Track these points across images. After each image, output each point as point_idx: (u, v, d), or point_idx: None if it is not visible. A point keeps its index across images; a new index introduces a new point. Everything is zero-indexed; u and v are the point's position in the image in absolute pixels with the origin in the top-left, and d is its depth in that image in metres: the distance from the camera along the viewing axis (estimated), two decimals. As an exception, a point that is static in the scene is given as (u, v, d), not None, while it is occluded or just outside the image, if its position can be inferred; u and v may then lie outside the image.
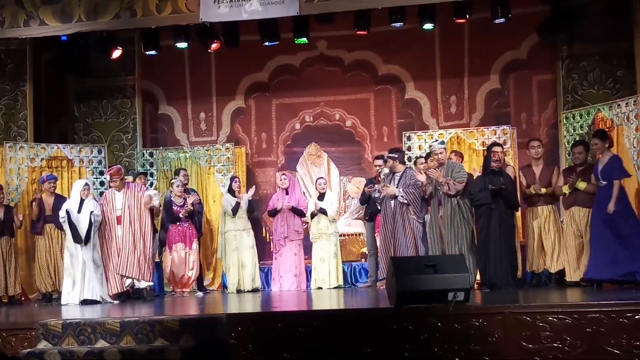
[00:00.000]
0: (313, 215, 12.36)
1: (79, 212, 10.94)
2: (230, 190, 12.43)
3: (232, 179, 12.61)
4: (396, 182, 10.69)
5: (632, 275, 9.56)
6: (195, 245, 12.10)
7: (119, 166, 11.75)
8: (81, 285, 10.86)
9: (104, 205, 11.15)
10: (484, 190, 10.26)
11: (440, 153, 10.58)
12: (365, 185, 12.14)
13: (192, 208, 12.01)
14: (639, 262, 9.58)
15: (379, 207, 11.14)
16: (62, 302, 10.96)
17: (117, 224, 11.08)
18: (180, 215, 11.99)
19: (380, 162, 11.85)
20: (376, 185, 11.11)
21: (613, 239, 9.73)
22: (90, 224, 10.87)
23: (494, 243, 10.21)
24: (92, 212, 10.90)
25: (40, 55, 13.51)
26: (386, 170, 11.01)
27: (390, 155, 10.99)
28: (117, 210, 11.11)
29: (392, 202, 10.64)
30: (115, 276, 10.98)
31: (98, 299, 10.87)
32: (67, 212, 10.90)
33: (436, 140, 11.20)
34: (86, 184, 11.24)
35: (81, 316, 8.97)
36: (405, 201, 10.54)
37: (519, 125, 13.37)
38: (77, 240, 10.87)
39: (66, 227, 10.97)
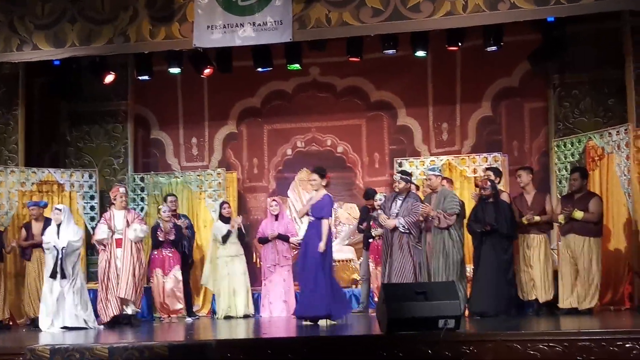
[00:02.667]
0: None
1: (57, 238, 10.86)
2: (221, 217, 12.38)
3: (221, 204, 12.57)
4: (398, 206, 10.61)
5: None
6: (174, 272, 12.04)
7: (125, 187, 11.76)
8: (60, 312, 10.68)
9: (102, 225, 11.09)
10: (476, 222, 10.27)
11: (430, 179, 10.59)
12: (360, 214, 12.19)
13: (172, 232, 11.94)
14: None
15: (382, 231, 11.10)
16: (41, 327, 10.80)
17: (117, 246, 11.03)
18: (161, 238, 11.95)
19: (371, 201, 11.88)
20: (376, 213, 10.91)
21: None
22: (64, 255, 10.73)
23: (487, 272, 10.19)
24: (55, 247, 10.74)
25: (33, 80, 13.54)
26: (381, 197, 10.95)
27: (404, 177, 10.77)
28: (117, 231, 11.06)
29: (391, 231, 10.55)
30: (114, 299, 10.91)
31: (82, 325, 10.75)
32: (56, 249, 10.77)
33: (429, 167, 11.21)
34: (56, 208, 11.05)
35: (69, 342, 8.90)
36: (407, 231, 10.46)
37: (511, 152, 13.39)
38: (53, 277, 10.74)
39: (50, 257, 10.85)
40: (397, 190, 10.75)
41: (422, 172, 12.83)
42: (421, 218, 10.38)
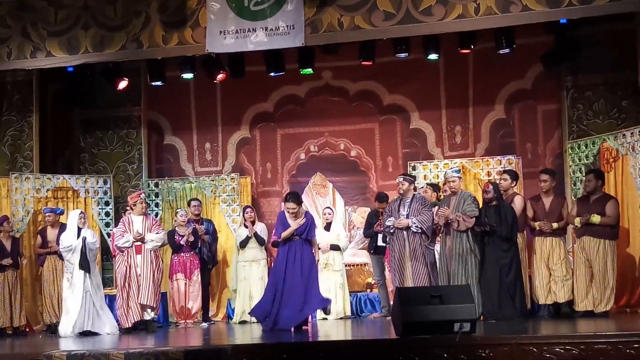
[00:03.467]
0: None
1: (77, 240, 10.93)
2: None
3: (244, 209, 12.58)
4: (406, 208, 10.63)
5: None
6: (196, 276, 12.07)
7: (143, 191, 11.81)
8: (82, 315, 10.76)
9: (124, 232, 11.13)
10: (479, 225, 10.27)
11: (453, 181, 10.56)
12: (368, 218, 12.17)
13: (191, 237, 11.96)
14: None
15: (387, 239, 11.07)
16: (60, 333, 10.87)
17: (137, 253, 11.07)
18: (182, 242, 11.98)
19: (384, 204, 11.87)
20: (388, 221, 10.82)
21: None
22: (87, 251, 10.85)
23: (490, 276, 10.15)
24: (84, 238, 10.86)
25: (46, 86, 13.59)
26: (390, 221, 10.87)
27: (406, 177, 10.90)
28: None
29: (404, 232, 10.54)
30: (135, 305, 10.94)
31: (102, 331, 10.81)
32: (84, 239, 10.87)
33: (452, 168, 11.17)
34: (81, 212, 11.23)
35: (86, 347, 8.92)
36: (419, 230, 10.47)
37: (524, 155, 13.36)
38: (84, 268, 10.82)
39: (76, 255, 10.90)
40: (401, 192, 10.74)
41: (436, 175, 12.84)
42: (438, 220, 10.37)
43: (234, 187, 13.48)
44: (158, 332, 11.06)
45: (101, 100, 14.00)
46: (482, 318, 10.12)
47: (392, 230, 10.67)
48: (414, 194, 10.76)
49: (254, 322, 12.05)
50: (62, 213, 12.15)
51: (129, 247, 11.06)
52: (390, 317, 11.35)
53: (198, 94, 14.50)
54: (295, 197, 10.56)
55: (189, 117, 14.63)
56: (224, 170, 14.36)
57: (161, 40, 11.74)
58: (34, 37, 12.01)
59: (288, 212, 10.46)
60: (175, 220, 12.22)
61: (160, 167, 14.66)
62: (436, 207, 10.73)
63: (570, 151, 12.41)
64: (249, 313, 11.36)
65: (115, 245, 11.21)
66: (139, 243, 11.08)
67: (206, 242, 12.28)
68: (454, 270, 10.28)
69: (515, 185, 11.05)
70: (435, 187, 11.93)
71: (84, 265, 10.82)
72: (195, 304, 12.09)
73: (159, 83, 13.07)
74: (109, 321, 10.97)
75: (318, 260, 11.66)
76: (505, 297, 10.13)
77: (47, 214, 12.06)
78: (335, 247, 12.34)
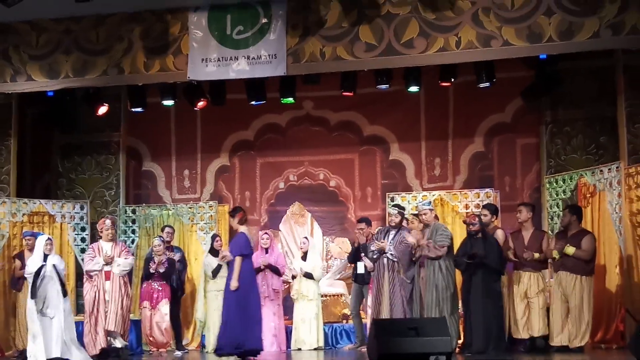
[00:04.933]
0: (294, 277, 12.31)
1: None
2: (212, 250, 12.31)
3: (213, 237, 12.51)
4: (390, 238, 10.64)
5: None
6: (162, 306, 11.92)
7: (112, 218, 11.70)
8: (50, 342, 10.58)
9: (94, 257, 11.00)
10: (464, 256, 10.26)
11: (425, 214, 10.62)
12: (352, 249, 12.19)
13: (162, 267, 11.86)
14: None
15: (371, 267, 11.07)
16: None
17: (106, 279, 10.95)
18: (151, 270, 11.89)
19: (362, 224, 11.89)
20: (373, 245, 10.88)
21: None
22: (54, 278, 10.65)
23: (475, 308, 10.14)
24: (42, 266, 10.66)
25: (25, 110, 13.55)
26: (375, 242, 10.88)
27: (400, 210, 10.97)
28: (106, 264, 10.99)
29: (385, 260, 10.56)
30: (102, 331, 10.82)
31: (70, 357, 10.66)
32: (40, 268, 10.65)
33: (421, 202, 11.20)
34: (48, 239, 10.97)
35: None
36: (395, 259, 10.49)
37: (503, 188, 13.41)
38: (33, 296, 10.62)
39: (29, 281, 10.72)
40: (392, 224, 10.78)
41: (414, 206, 12.84)
42: (412, 244, 10.40)
43: (211, 215, 13.42)
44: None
45: (81, 126, 13.87)
46: (461, 348, 10.12)
47: (375, 256, 10.67)
48: (401, 227, 10.79)
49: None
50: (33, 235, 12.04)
51: (99, 271, 10.93)
52: (364, 348, 11.37)
53: (178, 121, 14.47)
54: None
55: (169, 143, 14.59)
56: (202, 197, 14.31)
57: (143, 66, 11.75)
58: (14, 61, 12.00)
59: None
60: (152, 248, 12.14)
61: (138, 193, 14.58)
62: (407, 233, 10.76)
63: (548, 186, 12.46)
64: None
65: (86, 270, 11.10)
66: (108, 268, 10.94)
67: (176, 269, 12.19)
68: (427, 302, 10.28)
69: (495, 220, 11.07)
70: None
71: (32, 293, 10.57)
72: (160, 334, 11.96)
73: (139, 109, 13.04)
74: (79, 349, 10.78)
75: (284, 289, 11.75)
76: (494, 329, 10.11)
77: (27, 237, 11.87)
78: (308, 276, 12.27)
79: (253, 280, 10.55)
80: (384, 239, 10.66)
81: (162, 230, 12.56)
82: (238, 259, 10.20)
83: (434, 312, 10.15)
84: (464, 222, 10.69)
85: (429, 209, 10.70)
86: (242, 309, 10.10)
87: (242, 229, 10.45)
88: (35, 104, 13.35)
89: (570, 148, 12.75)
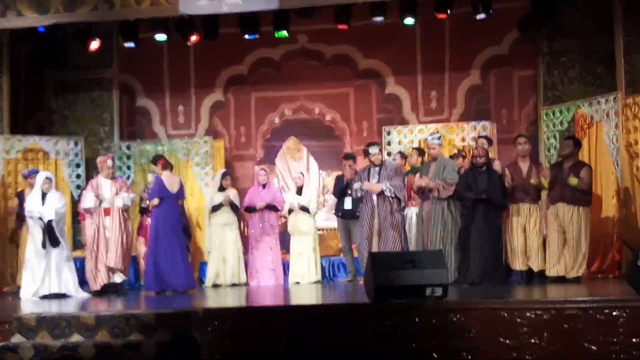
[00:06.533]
0: (291, 211, 12.30)
1: (42, 205, 10.79)
2: (221, 187, 12.31)
3: (223, 175, 12.44)
4: (376, 175, 10.58)
5: None
6: None
7: (112, 157, 11.67)
8: (46, 278, 10.67)
9: (90, 194, 11.00)
10: (467, 190, 10.23)
11: (434, 148, 10.55)
12: (335, 181, 12.11)
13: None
14: None
15: (358, 204, 11.03)
16: (21, 296, 10.78)
17: (106, 215, 10.95)
18: (145, 206, 11.97)
19: (350, 161, 11.83)
20: (356, 184, 10.80)
21: None
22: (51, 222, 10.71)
23: (477, 242, 10.16)
24: (49, 221, 10.70)
25: (18, 48, 13.39)
26: (357, 185, 10.80)
27: (372, 148, 10.75)
28: (105, 200, 10.97)
29: (375, 197, 10.48)
30: (104, 268, 10.86)
31: (67, 292, 10.73)
32: (49, 223, 10.72)
33: (432, 135, 11.07)
34: (47, 177, 10.99)
35: (56, 310, 8.87)
36: (393, 195, 10.42)
37: (500, 121, 13.38)
38: (53, 244, 10.71)
39: (38, 227, 10.79)
40: (377, 163, 10.63)
41: (411, 140, 12.81)
42: (415, 187, 10.36)
43: (207, 151, 13.38)
44: (129, 295, 11.00)
45: (73, 62, 13.82)
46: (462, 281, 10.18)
47: (360, 195, 10.62)
48: (382, 161, 10.71)
49: (227, 286, 12.04)
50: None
51: (95, 209, 10.93)
52: (358, 282, 11.43)
53: (171, 56, 14.37)
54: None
55: (162, 79, 14.51)
56: (197, 133, 14.26)
57: (134, 0, 11.56)
58: (3, -3, 11.83)
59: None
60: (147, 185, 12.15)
61: (132, 129, 14.53)
62: (417, 174, 10.72)
63: (545, 117, 12.41)
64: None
65: (82, 208, 11.11)
66: (107, 205, 10.93)
67: None
68: (431, 235, 10.30)
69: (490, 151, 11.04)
70: (420, 151, 11.83)
71: (52, 242, 10.67)
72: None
73: (131, 45, 12.86)
74: (77, 284, 10.85)
75: (281, 224, 11.79)
76: (494, 263, 10.16)
77: (31, 176, 11.71)
78: (304, 210, 12.27)
79: (174, 221, 11.15)
80: (366, 179, 10.57)
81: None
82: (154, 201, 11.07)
83: (436, 246, 10.18)
84: (472, 155, 10.65)
85: (439, 144, 10.63)
86: (164, 250, 10.90)
87: (165, 174, 11.13)
88: (27, 41, 13.21)
89: (567, 79, 12.66)
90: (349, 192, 11.43)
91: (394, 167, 10.64)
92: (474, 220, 10.24)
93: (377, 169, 10.59)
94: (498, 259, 10.36)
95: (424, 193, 10.46)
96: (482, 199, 10.17)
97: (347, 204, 11.69)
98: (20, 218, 11.82)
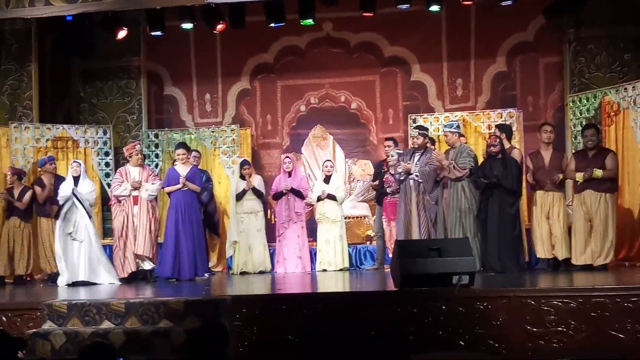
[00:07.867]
0: (319, 199, 12.35)
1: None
2: (241, 176, 12.40)
3: (242, 164, 12.53)
4: (415, 160, 10.62)
5: None
6: None
7: (140, 143, 11.79)
8: (78, 266, 10.84)
9: (121, 182, 11.14)
10: (482, 177, 10.27)
11: (446, 135, 10.66)
12: (374, 172, 12.19)
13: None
14: None
15: (395, 187, 11.13)
16: (58, 283, 10.97)
17: (134, 204, 11.07)
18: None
19: (390, 142, 11.89)
20: (393, 158, 10.99)
21: None
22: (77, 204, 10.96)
23: (493, 229, 10.17)
24: (89, 191, 11.07)
25: (45, 36, 13.48)
26: (394, 154, 10.98)
27: (421, 132, 10.82)
28: (135, 189, 11.11)
29: (411, 182, 10.52)
30: (132, 255, 10.98)
31: (98, 281, 10.87)
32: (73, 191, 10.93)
33: (447, 123, 11.17)
34: (74, 162, 11.26)
35: (86, 297, 8.98)
36: (420, 180, 10.46)
37: (525, 108, 13.33)
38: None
39: (73, 213, 10.96)
40: (415, 146, 10.73)
41: (437, 128, 12.81)
42: (438, 164, 10.40)
43: (234, 139, 13.44)
44: (158, 282, 11.11)
45: (100, 51, 13.88)
46: (482, 269, 10.18)
47: (403, 177, 10.66)
48: (426, 148, 10.75)
49: (254, 274, 12.12)
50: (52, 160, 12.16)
51: (127, 196, 11.06)
52: (383, 270, 11.48)
53: (198, 45, 14.38)
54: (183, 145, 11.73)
55: (189, 67, 14.53)
56: (224, 121, 14.30)
57: (161, -11, 11.64)
58: (32, -15, 11.91)
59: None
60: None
61: (160, 117, 14.60)
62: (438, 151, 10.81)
63: (571, 104, 12.37)
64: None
65: (114, 194, 11.22)
66: (136, 193, 11.07)
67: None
68: (451, 223, 10.36)
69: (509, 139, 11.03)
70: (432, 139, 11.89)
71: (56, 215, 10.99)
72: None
73: (158, 33, 12.92)
74: (107, 271, 10.98)
75: (309, 211, 11.86)
76: (509, 250, 10.17)
77: (51, 163, 11.91)
78: (332, 198, 12.33)
79: (191, 209, 11.36)
80: (409, 161, 10.64)
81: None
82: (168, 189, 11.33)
83: (457, 234, 10.22)
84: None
85: (449, 131, 10.70)
86: (178, 239, 11.12)
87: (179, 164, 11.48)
88: (55, 29, 13.30)
89: (594, 66, 12.61)
90: (387, 170, 11.55)
91: (430, 157, 10.61)
92: (490, 208, 10.25)
93: (418, 154, 10.62)
94: (515, 246, 10.35)
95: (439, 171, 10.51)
96: (494, 184, 10.18)
97: (383, 189, 11.80)
98: (47, 205, 11.89)
